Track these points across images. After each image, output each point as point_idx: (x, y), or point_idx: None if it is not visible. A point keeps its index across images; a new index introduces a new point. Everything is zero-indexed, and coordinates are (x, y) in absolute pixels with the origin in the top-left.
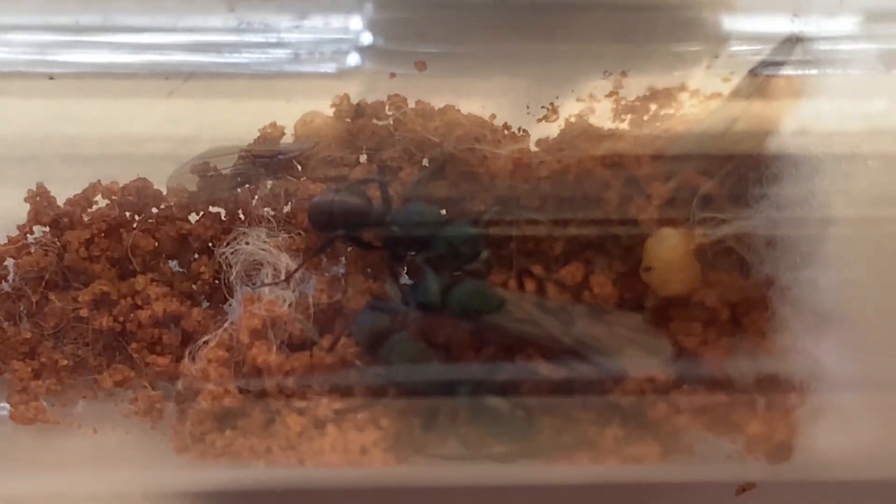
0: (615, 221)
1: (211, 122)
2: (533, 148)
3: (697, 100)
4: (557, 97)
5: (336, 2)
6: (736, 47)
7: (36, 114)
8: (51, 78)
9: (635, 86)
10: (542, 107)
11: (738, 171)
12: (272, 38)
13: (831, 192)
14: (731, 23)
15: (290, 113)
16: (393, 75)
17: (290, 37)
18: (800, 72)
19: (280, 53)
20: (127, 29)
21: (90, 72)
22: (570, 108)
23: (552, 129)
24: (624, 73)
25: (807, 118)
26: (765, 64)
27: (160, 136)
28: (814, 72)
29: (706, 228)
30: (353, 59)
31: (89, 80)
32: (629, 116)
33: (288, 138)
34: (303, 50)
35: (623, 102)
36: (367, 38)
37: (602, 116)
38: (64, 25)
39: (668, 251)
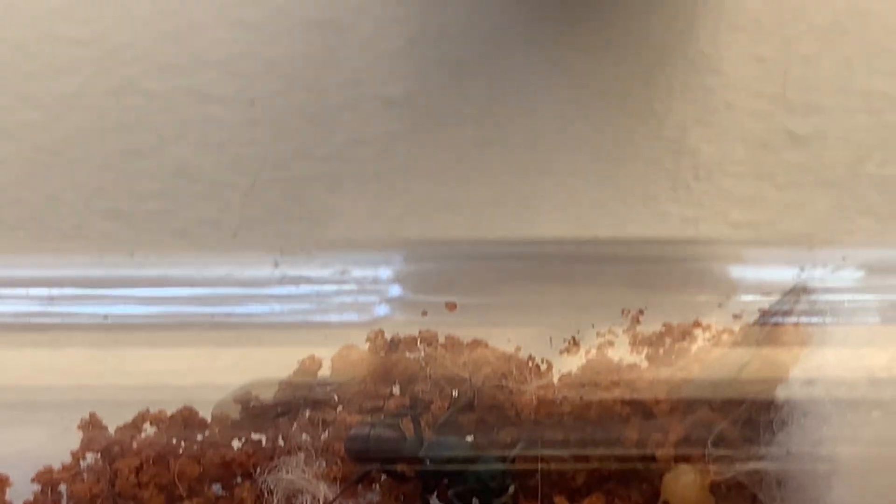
0: (634, 457)
1: (250, 365)
2: (556, 381)
3: (710, 334)
4: (578, 331)
5: (370, 257)
6: (745, 295)
7: (91, 362)
8: (105, 318)
9: (652, 321)
10: (564, 340)
11: (749, 414)
12: (311, 290)
13: (837, 437)
14: (741, 273)
15: (327, 352)
16: (424, 313)
17: (328, 288)
18: (806, 321)
19: (317, 304)
20: (179, 282)
21: (142, 323)
22: (590, 341)
23: (574, 361)
24: (641, 312)
25: (813, 367)
26: (773, 312)
27: (204, 372)
28: (819, 321)
29: (720, 466)
30: (384, 309)
31: (140, 330)
32: (646, 349)
33: (325, 371)
34: (339, 300)
35: (640, 337)
36: (396, 290)
37: (620, 348)
38: (122, 279)
39: (685, 487)
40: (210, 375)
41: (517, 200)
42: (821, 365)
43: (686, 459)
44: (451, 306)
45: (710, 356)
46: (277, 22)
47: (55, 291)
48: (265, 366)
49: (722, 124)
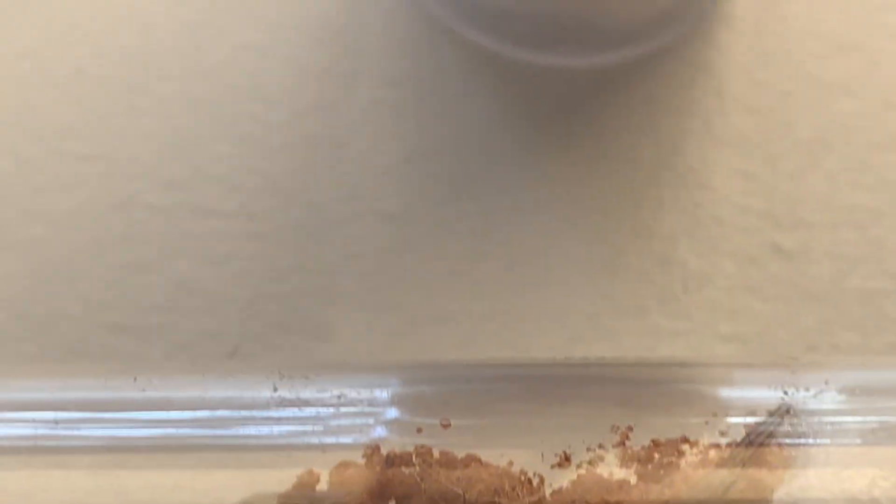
0: None
1: (249, 484)
2: (548, 496)
3: (698, 449)
4: (570, 446)
5: (367, 380)
6: (731, 416)
7: (94, 483)
8: (109, 440)
9: (641, 436)
10: (556, 455)
11: None
12: (309, 412)
13: None
14: (727, 393)
15: (325, 468)
16: (419, 430)
17: (325, 411)
18: (790, 442)
19: (315, 427)
20: (181, 406)
21: (145, 445)
22: (581, 455)
23: (565, 474)
24: (630, 428)
25: (796, 489)
26: (757, 434)
27: (204, 492)
28: (802, 443)
29: None
30: (381, 431)
31: (143, 452)
32: (635, 465)
33: (323, 485)
34: (337, 423)
35: (629, 452)
36: (392, 412)
37: (610, 462)
38: (125, 402)
39: None
40: (211, 495)
41: (511, 313)
42: (803, 487)
43: None
44: (446, 424)
45: (697, 475)
46: (276, 138)
47: (61, 415)
48: (264, 485)
49: (710, 238)
